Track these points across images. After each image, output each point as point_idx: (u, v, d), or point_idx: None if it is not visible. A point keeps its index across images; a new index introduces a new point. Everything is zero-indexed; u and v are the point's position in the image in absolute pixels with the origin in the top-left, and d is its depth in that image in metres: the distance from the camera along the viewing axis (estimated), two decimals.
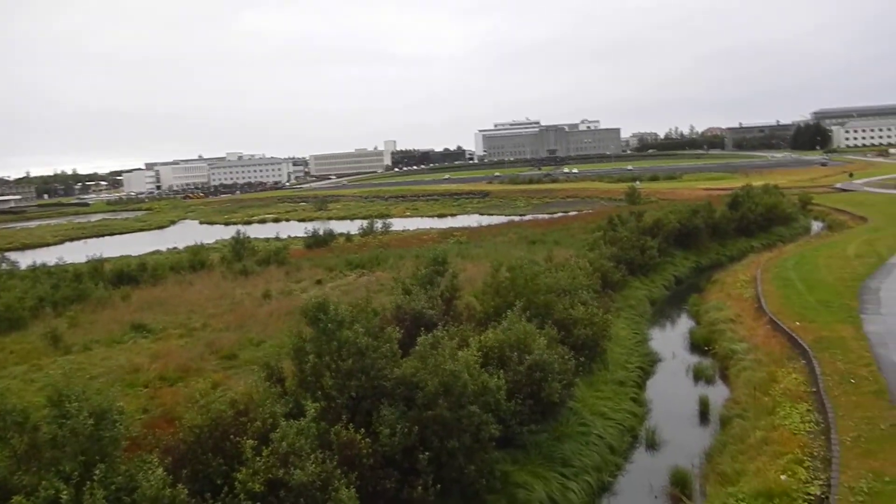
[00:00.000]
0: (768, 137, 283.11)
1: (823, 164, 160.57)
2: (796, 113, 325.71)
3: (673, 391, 26.37)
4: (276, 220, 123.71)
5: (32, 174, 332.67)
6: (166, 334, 30.89)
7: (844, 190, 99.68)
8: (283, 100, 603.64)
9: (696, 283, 46.16)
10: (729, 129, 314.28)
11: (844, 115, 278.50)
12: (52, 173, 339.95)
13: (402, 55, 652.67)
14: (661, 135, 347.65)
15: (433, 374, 16.52)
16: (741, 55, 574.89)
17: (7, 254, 60.63)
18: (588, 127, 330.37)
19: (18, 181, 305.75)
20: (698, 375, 27.47)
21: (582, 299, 27.16)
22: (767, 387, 22.82)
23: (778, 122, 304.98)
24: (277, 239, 74.50)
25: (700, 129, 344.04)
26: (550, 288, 26.40)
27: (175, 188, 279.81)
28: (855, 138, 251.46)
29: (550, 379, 19.42)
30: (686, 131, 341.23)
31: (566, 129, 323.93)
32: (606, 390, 24.26)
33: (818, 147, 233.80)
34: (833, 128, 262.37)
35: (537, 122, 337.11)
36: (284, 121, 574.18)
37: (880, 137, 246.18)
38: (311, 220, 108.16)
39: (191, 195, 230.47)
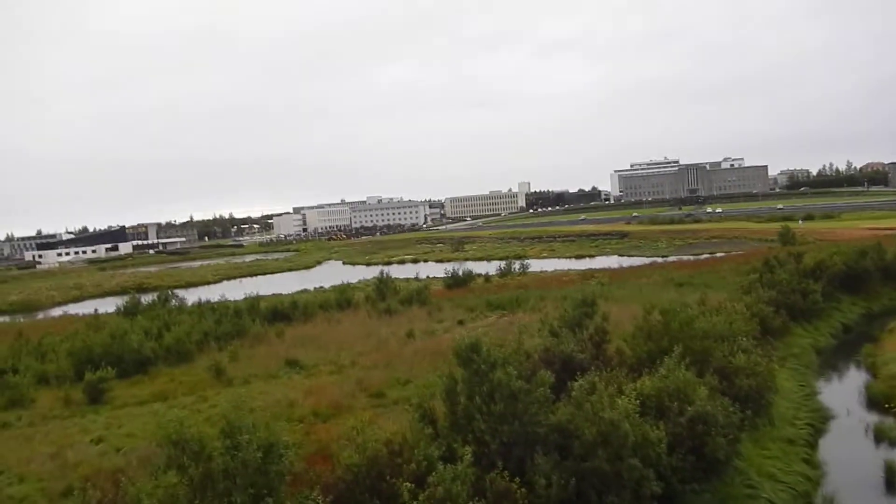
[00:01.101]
0: None
1: None
2: None
3: (851, 453, 23.77)
4: (415, 261, 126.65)
5: (195, 218, 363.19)
6: (317, 370, 32.00)
7: None
8: (421, 144, 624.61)
9: (867, 331, 42.00)
10: (893, 163, 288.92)
11: None
12: (211, 217, 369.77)
13: (535, 97, 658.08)
14: (814, 171, 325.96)
15: (591, 422, 15.85)
16: None
17: (175, 291, 65.71)
18: (732, 165, 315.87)
19: (183, 225, 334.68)
20: (881, 437, 24.63)
21: (742, 346, 25.34)
22: None
23: None
24: (417, 279, 75.99)
25: (859, 164, 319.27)
26: (707, 333, 24.85)
27: (319, 230, 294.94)
28: None
29: (714, 433, 18.08)
30: (842, 167, 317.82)
31: (707, 167, 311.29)
32: (774, 448, 22.26)
33: None
34: None
35: (676, 161, 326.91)
36: (421, 165, 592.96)
37: None
38: (449, 260, 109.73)
39: (334, 237, 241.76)
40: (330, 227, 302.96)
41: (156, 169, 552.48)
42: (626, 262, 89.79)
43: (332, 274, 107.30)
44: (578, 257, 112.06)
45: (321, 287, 79.96)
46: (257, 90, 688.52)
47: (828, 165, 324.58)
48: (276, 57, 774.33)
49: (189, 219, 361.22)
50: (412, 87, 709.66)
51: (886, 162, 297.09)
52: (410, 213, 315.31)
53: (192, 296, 65.16)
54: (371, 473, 14.93)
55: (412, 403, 19.39)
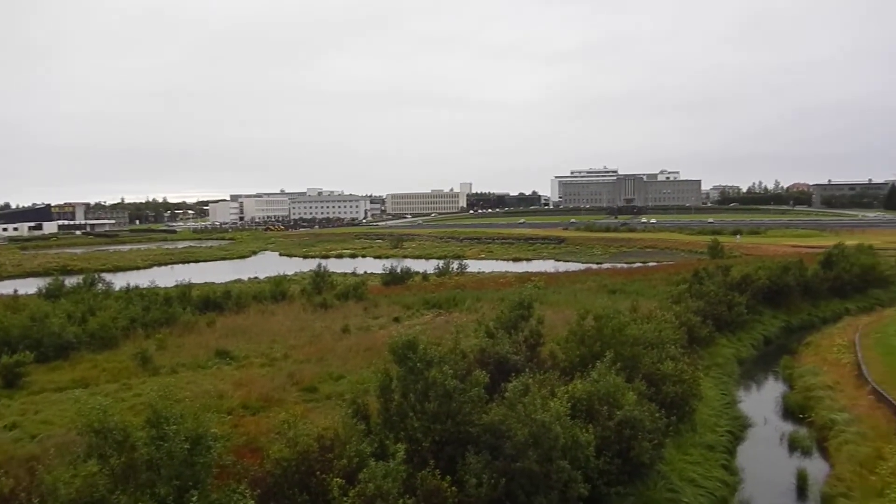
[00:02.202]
0: (859, 196, 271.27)
1: None
2: (891, 171, 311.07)
3: (766, 461, 24.83)
4: (353, 256, 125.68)
5: (127, 200, 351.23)
6: (248, 362, 31.39)
7: None
8: (364, 139, 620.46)
9: (786, 344, 43.95)
10: (817, 185, 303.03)
11: None
12: (144, 200, 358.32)
13: (480, 100, 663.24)
14: (744, 189, 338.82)
15: (523, 423, 16.01)
16: (832, 110, 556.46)
17: (102, 274, 63.26)
18: (667, 178, 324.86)
19: (114, 206, 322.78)
20: (794, 445, 25.84)
21: (670, 354, 26.14)
22: (874, 464, 21.26)
23: (870, 180, 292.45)
24: (355, 274, 75.44)
25: (786, 184, 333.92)
26: (637, 340, 25.49)
27: (257, 220, 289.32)
28: None
29: (641, 437, 18.57)
30: (771, 186, 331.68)
31: (644, 178, 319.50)
32: (695, 454, 23.02)
33: None
34: None
35: (615, 171, 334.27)
36: (363, 159, 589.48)
37: None
38: (387, 257, 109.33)
39: (271, 227, 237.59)
40: (268, 216, 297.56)
41: (87, 147, 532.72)
42: (562, 266, 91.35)
43: (267, 265, 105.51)
44: (516, 260, 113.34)
45: (256, 278, 78.59)
46: (202, 74, 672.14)
47: (757, 183, 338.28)
48: (223, 41, 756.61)
49: (120, 201, 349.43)
50: (360, 82, 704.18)
51: (811, 183, 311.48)
52: (351, 207, 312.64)
53: (119, 280, 62.84)
54: (301, 468, 14.73)
55: (345, 399, 19.25)
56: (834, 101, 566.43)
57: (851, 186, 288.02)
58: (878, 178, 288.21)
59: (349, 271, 79.97)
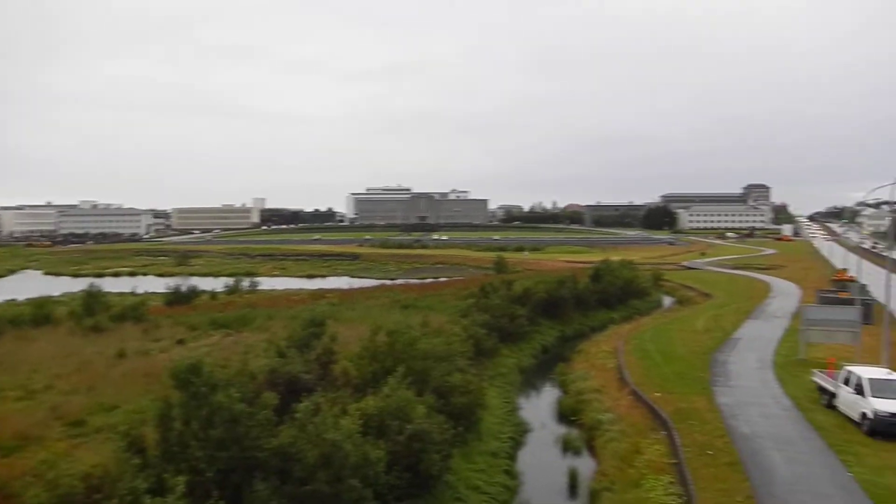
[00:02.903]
0: (622, 216, 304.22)
1: (670, 244, 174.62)
2: (648, 195, 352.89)
3: (543, 463, 26.66)
4: (133, 275, 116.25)
5: None
6: (1, 396, 27.66)
7: (690, 268, 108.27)
8: (148, 150, 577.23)
9: (561, 352, 47.68)
10: (588, 206, 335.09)
11: (689, 200, 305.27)
12: None
13: (277, 114, 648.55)
14: (526, 207, 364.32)
15: (313, 444, 15.77)
16: (609, 140, 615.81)
17: None
18: (458, 196, 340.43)
19: None
20: (567, 446, 28.02)
21: (458, 366, 27.26)
22: (632, 458, 23.60)
23: (631, 202, 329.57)
24: (134, 294, 69.68)
25: (562, 204, 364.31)
26: (427, 354, 26.28)
27: (16, 235, 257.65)
28: (697, 221, 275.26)
29: (430, 450, 19.11)
30: (549, 206, 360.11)
31: (437, 197, 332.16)
32: (480, 462, 24.17)
33: (666, 227, 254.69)
34: (679, 210, 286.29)
35: (409, 189, 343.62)
36: (146, 171, 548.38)
37: (718, 221, 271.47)
38: (172, 275, 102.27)
39: (35, 243, 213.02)
40: (31, 231, 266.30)
41: None
42: (357, 283, 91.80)
43: (29, 285, 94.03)
44: (310, 277, 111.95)
45: (13, 300, 69.71)
46: None
47: (537, 203, 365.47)
48: None
49: None
50: (144, 90, 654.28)
51: (583, 204, 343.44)
52: (130, 221, 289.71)
53: None
54: None
55: (118, 431, 17.67)
56: (609, 132, 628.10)
57: (616, 208, 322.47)
58: (638, 201, 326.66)
59: (128, 291, 73.76)
